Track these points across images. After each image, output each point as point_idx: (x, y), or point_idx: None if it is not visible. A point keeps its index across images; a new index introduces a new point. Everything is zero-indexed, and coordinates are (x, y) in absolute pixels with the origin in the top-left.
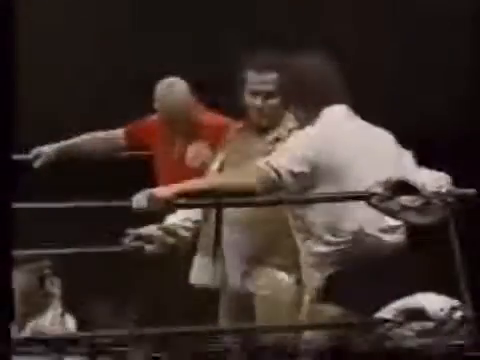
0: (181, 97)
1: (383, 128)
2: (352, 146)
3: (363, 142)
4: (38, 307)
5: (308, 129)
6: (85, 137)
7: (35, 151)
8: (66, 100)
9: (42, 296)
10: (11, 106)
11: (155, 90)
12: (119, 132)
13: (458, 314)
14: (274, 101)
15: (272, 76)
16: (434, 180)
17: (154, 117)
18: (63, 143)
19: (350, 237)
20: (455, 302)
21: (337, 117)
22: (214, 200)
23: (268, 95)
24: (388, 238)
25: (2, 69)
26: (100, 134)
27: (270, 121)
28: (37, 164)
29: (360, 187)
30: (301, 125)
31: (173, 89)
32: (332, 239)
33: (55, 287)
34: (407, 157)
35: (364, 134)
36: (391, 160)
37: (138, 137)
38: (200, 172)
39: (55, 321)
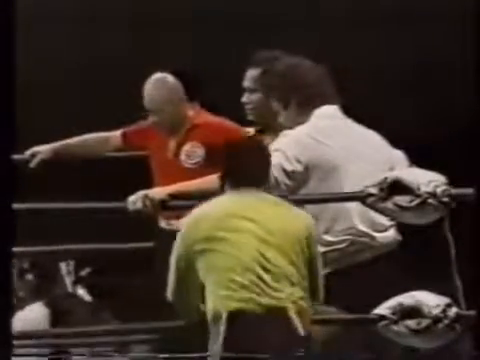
0: (166, 92)
1: (379, 128)
2: (341, 145)
3: (352, 142)
4: None
5: (298, 129)
6: (81, 137)
7: (30, 151)
8: (66, 101)
9: None
10: (11, 107)
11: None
12: (116, 133)
13: (453, 311)
14: (254, 97)
15: (252, 72)
16: (429, 180)
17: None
18: (59, 143)
19: (346, 237)
20: (450, 299)
21: (327, 117)
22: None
23: (250, 91)
24: (382, 236)
25: (2, 70)
26: (96, 135)
27: (257, 117)
28: (33, 164)
29: (349, 185)
30: (292, 125)
31: (159, 84)
32: (329, 238)
33: None
34: (398, 157)
35: (353, 134)
36: (380, 159)
37: (134, 138)
38: (194, 172)
39: None
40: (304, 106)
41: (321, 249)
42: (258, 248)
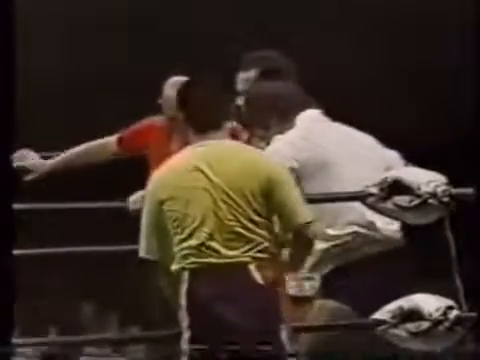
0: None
1: (380, 129)
2: (333, 146)
3: (344, 142)
4: None
5: (289, 133)
6: (79, 148)
7: (27, 164)
8: (65, 102)
9: None
10: (11, 107)
11: (162, 89)
12: (112, 139)
13: (453, 313)
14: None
15: (243, 75)
16: (429, 180)
17: (151, 119)
18: (57, 158)
19: (350, 229)
20: (450, 302)
21: (313, 120)
22: None
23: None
24: (388, 229)
25: (2, 71)
26: (94, 143)
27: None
28: (28, 178)
29: (345, 185)
30: (278, 133)
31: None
32: (332, 232)
33: None
34: (393, 156)
35: (343, 135)
36: (374, 159)
37: (131, 142)
38: None
39: None
40: (286, 116)
41: (324, 245)
42: (211, 206)
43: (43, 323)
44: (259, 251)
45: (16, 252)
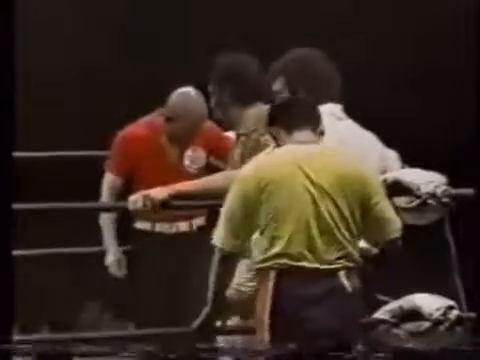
0: (204, 107)
1: (380, 128)
2: (336, 142)
3: (346, 141)
4: None
5: None
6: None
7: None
8: (66, 102)
9: None
10: (11, 107)
11: (172, 98)
12: (111, 178)
13: (454, 313)
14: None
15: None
16: (429, 181)
17: (131, 131)
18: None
19: None
20: (451, 301)
21: (325, 116)
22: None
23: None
24: None
25: (2, 70)
26: (103, 197)
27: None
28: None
29: None
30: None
31: (201, 100)
32: None
33: None
34: (390, 156)
35: (348, 134)
36: (372, 160)
37: (125, 167)
38: (196, 177)
39: None
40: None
41: None
42: (314, 211)
43: (42, 323)
44: (350, 261)
45: (16, 252)
